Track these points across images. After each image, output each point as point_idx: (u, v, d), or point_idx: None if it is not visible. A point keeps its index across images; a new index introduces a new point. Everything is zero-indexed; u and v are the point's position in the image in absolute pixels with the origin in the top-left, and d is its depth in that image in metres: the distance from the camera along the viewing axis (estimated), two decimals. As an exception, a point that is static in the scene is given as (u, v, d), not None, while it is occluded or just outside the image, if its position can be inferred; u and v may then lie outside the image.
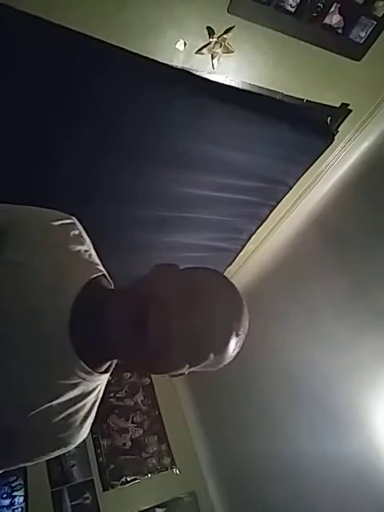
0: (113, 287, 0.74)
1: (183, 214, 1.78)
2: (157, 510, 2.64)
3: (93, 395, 0.69)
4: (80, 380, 0.64)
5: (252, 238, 2.17)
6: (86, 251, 0.74)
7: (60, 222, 0.73)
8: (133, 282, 0.65)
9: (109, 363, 0.70)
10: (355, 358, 1.80)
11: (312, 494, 2.02)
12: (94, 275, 0.70)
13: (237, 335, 0.61)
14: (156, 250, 1.89)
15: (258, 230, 2.12)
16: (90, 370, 0.64)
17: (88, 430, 0.70)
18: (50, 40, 1.07)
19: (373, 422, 1.72)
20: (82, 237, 0.76)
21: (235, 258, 2.28)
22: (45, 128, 1.24)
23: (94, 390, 0.69)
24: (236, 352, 0.63)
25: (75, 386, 0.64)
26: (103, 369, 0.69)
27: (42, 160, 1.33)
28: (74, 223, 0.76)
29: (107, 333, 0.60)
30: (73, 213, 0.75)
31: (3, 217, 0.70)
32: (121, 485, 2.66)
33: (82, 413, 0.67)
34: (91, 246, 0.78)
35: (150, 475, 2.76)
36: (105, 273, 0.74)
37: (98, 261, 0.76)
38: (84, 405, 0.67)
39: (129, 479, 2.70)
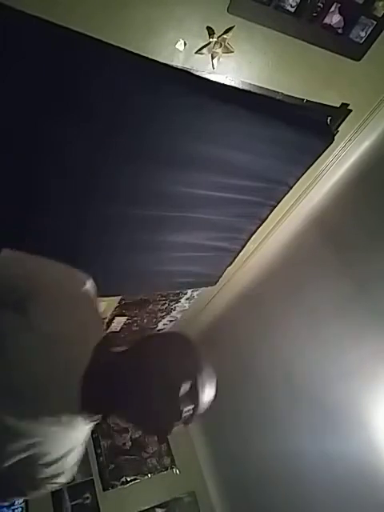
0: (117, 348, 0.80)
1: (183, 214, 1.77)
2: (157, 510, 2.64)
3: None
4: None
5: (252, 238, 2.17)
6: (97, 310, 0.83)
7: (84, 286, 0.78)
8: (139, 350, 0.75)
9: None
10: (355, 358, 1.80)
11: (312, 494, 2.02)
12: (100, 338, 0.77)
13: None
14: (156, 249, 1.89)
15: (258, 230, 2.12)
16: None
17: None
18: (50, 40, 1.07)
19: (373, 422, 1.72)
20: (96, 296, 0.82)
21: (235, 257, 2.28)
22: (44, 128, 1.24)
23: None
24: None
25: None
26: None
27: (41, 160, 1.32)
28: (91, 282, 0.81)
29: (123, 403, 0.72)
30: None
31: (27, 276, 0.75)
32: (121, 485, 2.66)
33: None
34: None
35: (149, 475, 2.76)
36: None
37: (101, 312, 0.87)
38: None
39: (129, 479, 2.69)
